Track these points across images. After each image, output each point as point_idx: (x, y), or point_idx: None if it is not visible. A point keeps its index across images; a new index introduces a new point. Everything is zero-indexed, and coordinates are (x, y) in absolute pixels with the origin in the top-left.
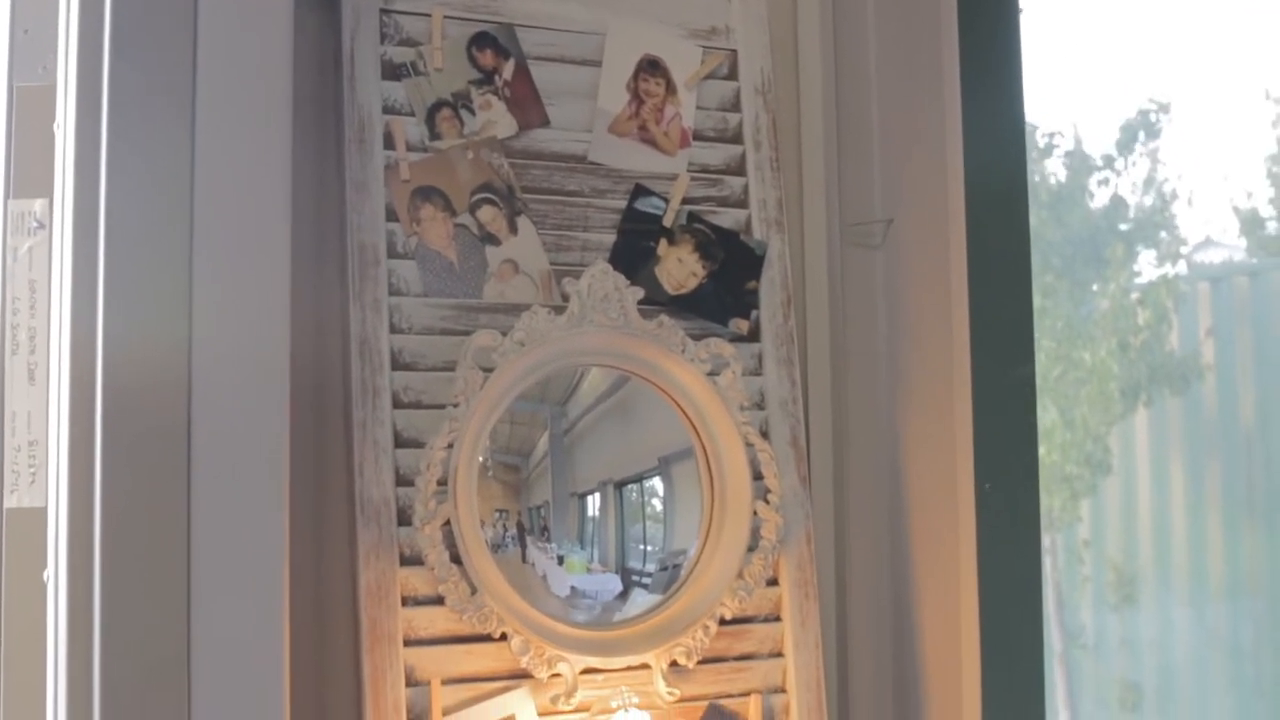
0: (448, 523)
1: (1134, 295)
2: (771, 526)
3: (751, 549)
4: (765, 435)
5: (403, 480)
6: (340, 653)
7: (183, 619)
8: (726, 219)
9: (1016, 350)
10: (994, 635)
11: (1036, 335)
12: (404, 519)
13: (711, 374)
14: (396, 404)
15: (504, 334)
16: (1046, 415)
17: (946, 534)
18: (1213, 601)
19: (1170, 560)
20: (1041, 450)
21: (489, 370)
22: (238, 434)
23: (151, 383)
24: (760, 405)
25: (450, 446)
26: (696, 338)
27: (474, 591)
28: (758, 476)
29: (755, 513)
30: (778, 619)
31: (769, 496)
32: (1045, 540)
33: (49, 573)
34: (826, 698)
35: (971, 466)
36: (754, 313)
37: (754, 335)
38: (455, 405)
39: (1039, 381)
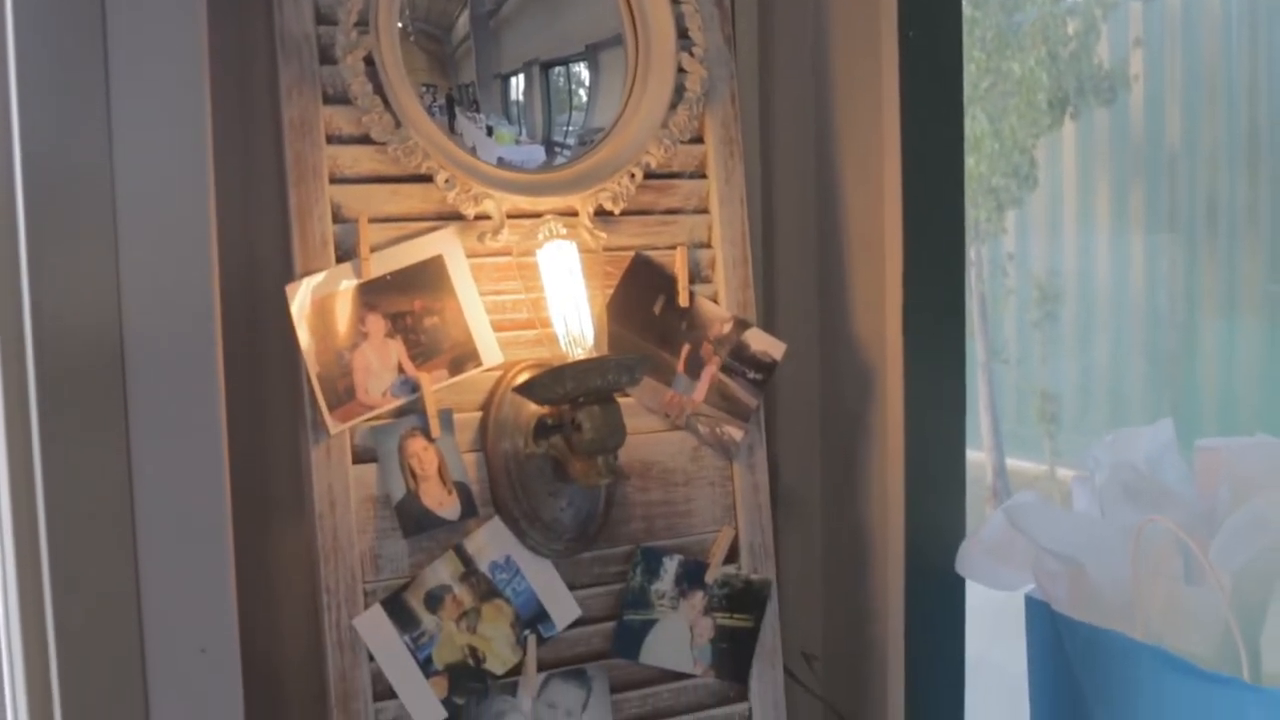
0: (371, 61)
1: (1065, 2)
2: (695, 79)
3: (675, 105)
4: None
5: (324, 19)
6: (268, 191)
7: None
8: None
9: None
10: (915, 195)
11: (966, 47)
12: (326, 58)
13: None
14: None
15: None
16: (976, 124)
17: (870, 83)
18: (1130, 312)
19: (1093, 275)
20: (969, 162)
21: None
22: None
23: None
24: None
25: None
26: None
27: (399, 125)
28: (683, 35)
29: (680, 67)
30: (703, 176)
31: (694, 50)
32: (970, 253)
33: None
34: (751, 253)
35: (895, 14)
36: None
37: None
38: None
39: (968, 92)
